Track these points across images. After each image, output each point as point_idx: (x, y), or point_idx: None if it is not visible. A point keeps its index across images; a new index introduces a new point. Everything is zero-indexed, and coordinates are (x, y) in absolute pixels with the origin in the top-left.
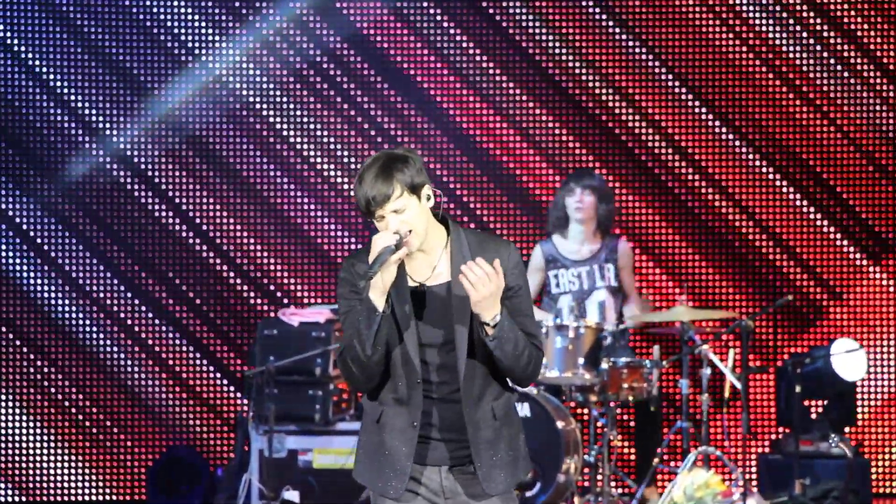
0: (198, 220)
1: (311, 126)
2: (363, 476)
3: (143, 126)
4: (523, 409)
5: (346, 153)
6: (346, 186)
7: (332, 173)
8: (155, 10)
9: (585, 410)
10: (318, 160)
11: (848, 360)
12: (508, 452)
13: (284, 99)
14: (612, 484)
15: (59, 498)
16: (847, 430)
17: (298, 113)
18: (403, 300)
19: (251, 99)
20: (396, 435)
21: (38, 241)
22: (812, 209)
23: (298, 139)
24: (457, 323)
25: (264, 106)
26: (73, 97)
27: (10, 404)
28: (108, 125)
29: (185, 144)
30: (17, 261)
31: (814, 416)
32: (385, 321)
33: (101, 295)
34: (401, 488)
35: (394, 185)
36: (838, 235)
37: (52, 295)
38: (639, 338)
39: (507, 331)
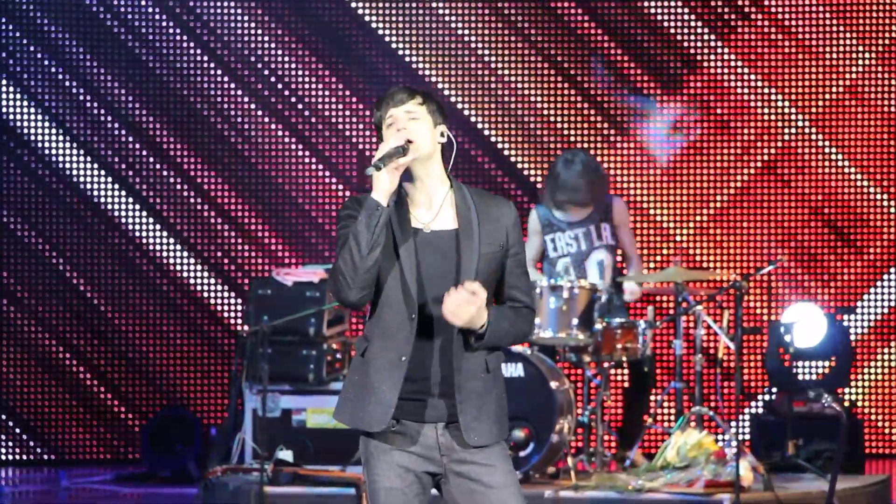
0: (191, 177)
1: (303, 84)
2: (344, 416)
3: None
4: (517, 370)
5: (338, 112)
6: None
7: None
8: None
9: (579, 371)
10: (307, 115)
11: (801, 326)
12: (497, 408)
13: (289, 60)
14: (605, 444)
15: (54, 457)
16: (840, 390)
17: (295, 67)
18: (405, 237)
19: (255, 56)
20: (382, 368)
21: (35, 201)
22: (813, 170)
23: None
24: (457, 269)
25: (269, 63)
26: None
27: (6, 364)
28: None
29: (172, 102)
30: (15, 223)
31: (801, 376)
32: (384, 216)
33: (94, 254)
34: (384, 421)
35: (416, 95)
36: (834, 197)
37: (45, 255)
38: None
39: (494, 332)
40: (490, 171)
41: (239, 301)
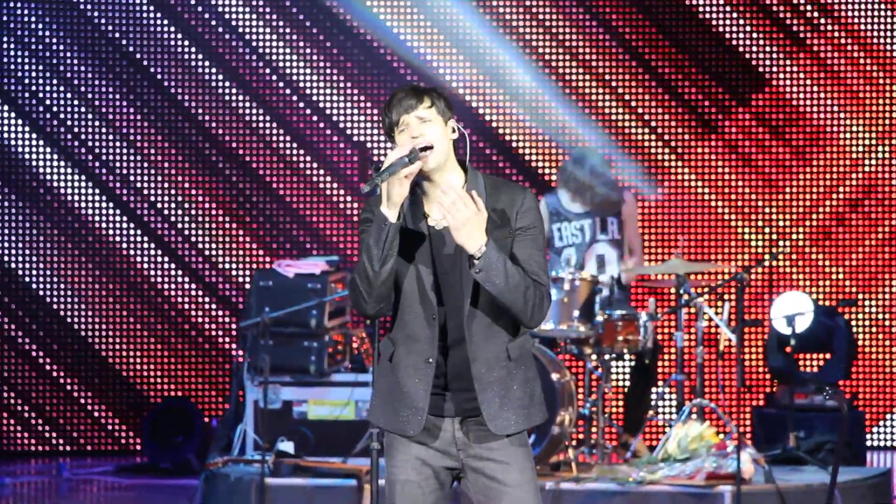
0: (196, 169)
1: (311, 76)
2: (378, 418)
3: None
4: None
5: (344, 103)
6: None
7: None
8: None
9: (580, 363)
10: (316, 108)
11: (789, 315)
12: (523, 395)
13: (284, 47)
14: (606, 436)
15: (55, 448)
16: (841, 383)
17: (295, 59)
18: (421, 237)
19: (259, 45)
20: (411, 372)
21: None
22: (804, 163)
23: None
24: (461, 260)
25: (272, 53)
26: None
27: (6, 356)
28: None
29: (167, 106)
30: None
31: (806, 369)
32: (394, 231)
33: (99, 244)
34: (418, 426)
35: (424, 98)
36: (834, 191)
37: (51, 243)
38: (634, 291)
39: (493, 262)
40: (499, 163)
41: (241, 290)
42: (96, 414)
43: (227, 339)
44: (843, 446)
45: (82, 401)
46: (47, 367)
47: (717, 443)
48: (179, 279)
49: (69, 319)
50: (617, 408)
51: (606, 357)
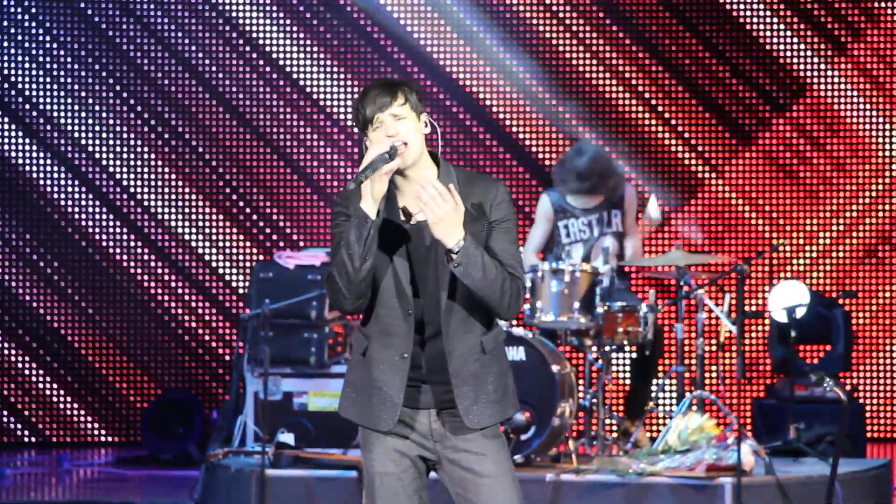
0: (192, 160)
1: (313, 68)
2: (350, 412)
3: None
4: (519, 353)
5: (343, 95)
6: (343, 119)
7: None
8: None
9: (581, 354)
10: (320, 100)
11: (786, 303)
12: (497, 388)
13: (286, 39)
14: (607, 428)
15: (55, 439)
16: (842, 374)
17: (297, 50)
18: (396, 233)
19: (252, 36)
20: (385, 367)
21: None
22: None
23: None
24: (436, 255)
25: (265, 42)
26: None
27: (10, 347)
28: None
29: (178, 81)
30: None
31: (808, 360)
32: (374, 229)
33: (97, 236)
34: (392, 420)
35: (397, 94)
36: (832, 186)
37: (48, 236)
38: (635, 282)
39: (471, 256)
40: (500, 154)
41: (241, 283)
42: (97, 405)
43: (228, 330)
44: (843, 438)
45: (83, 392)
46: (46, 359)
47: (717, 434)
48: (176, 270)
49: (67, 311)
50: (618, 399)
51: (607, 349)
